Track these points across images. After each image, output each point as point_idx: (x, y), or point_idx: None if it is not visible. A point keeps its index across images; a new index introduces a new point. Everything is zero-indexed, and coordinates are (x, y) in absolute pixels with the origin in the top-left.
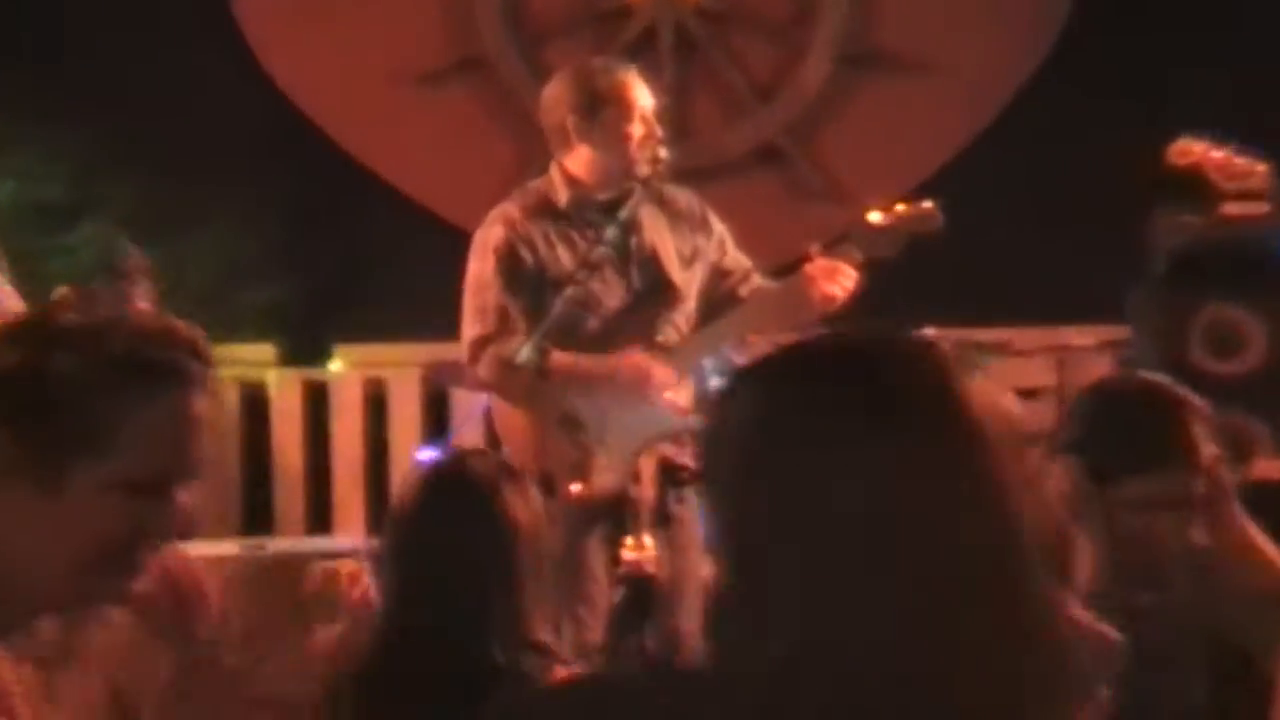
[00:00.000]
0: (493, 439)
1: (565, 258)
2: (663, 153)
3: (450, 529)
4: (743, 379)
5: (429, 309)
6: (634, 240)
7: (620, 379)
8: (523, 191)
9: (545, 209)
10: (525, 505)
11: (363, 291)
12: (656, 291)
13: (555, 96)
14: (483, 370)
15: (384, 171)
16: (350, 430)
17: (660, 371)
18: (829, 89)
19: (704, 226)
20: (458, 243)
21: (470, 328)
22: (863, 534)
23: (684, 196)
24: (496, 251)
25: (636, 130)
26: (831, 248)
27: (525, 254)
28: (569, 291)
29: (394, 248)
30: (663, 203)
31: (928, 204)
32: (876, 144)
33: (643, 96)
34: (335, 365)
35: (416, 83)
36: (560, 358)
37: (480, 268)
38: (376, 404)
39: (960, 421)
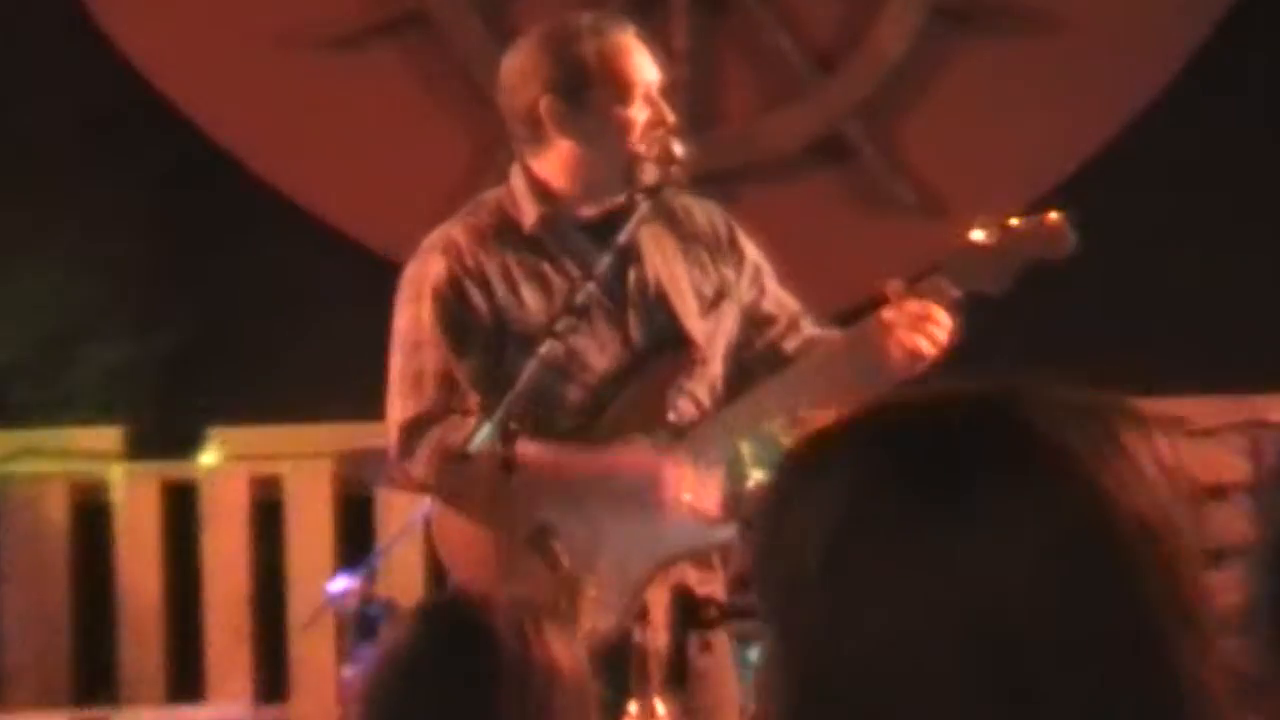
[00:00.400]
0: (434, 564)
1: (535, 302)
2: (677, 149)
3: (472, 705)
4: (802, 471)
5: (343, 377)
6: (634, 275)
7: (618, 480)
8: (474, 207)
9: (506, 232)
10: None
11: (249, 352)
12: (666, 348)
13: (522, 70)
14: (419, 465)
15: (279, 179)
16: (230, 551)
17: (674, 469)
18: (917, 54)
19: (733, 254)
20: (383, 281)
21: (401, 404)
22: (991, 680)
23: (704, 212)
24: (437, 294)
25: (638, 116)
26: (918, 282)
27: (478, 297)
28: (543, 350)
29: (293, 289)
30: (674, 221)
31: (1054, 216)
32: (982, 134)
33: (646, 68)
34: (208, 457)
35: (323, 50)
36: (532, 448)
37: (414, 317)
38: (268, 513)
39: (1121, 521)
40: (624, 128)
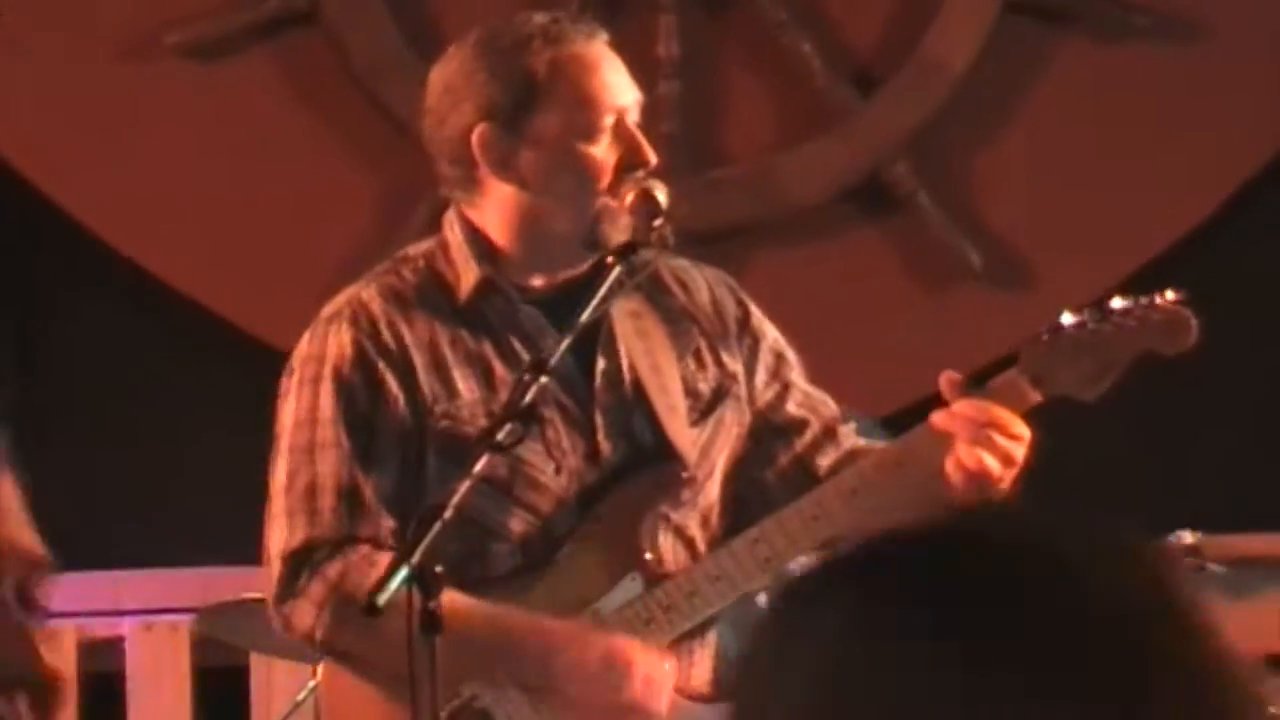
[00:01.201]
0: None
1: (471, 394)
2: (660, 196)
3: None
4: (804, 599)
5: (205, 506)
6: (602, 366)
7: (576, 659)
8: (394, 265)
9: (435, 299)
10: None
11: (75, 470)
12: (645, 466)
13: (450, 88)
14: (307, 611)
15: (111, 233)
16: None
17: (649, 656)
18: (985, 68)
19: (744, 339)
20: (258, 370)
21: (286, 526)
22: None
23: (705, 282)
24: (340, 378)
25: (605, 153)
26: (987, 380)
27: (395, 385)
28: (478, 467)
29: (134, 385)
30: (660, 294)
31: (1169, 297)
32: (1074, 176)
33: (619, 89)
34: None
35: (181, 57)
36: (461, 601)
37: (308, 409)
38: (103, 687)
39: (1191, 690)
40: (585, 169)
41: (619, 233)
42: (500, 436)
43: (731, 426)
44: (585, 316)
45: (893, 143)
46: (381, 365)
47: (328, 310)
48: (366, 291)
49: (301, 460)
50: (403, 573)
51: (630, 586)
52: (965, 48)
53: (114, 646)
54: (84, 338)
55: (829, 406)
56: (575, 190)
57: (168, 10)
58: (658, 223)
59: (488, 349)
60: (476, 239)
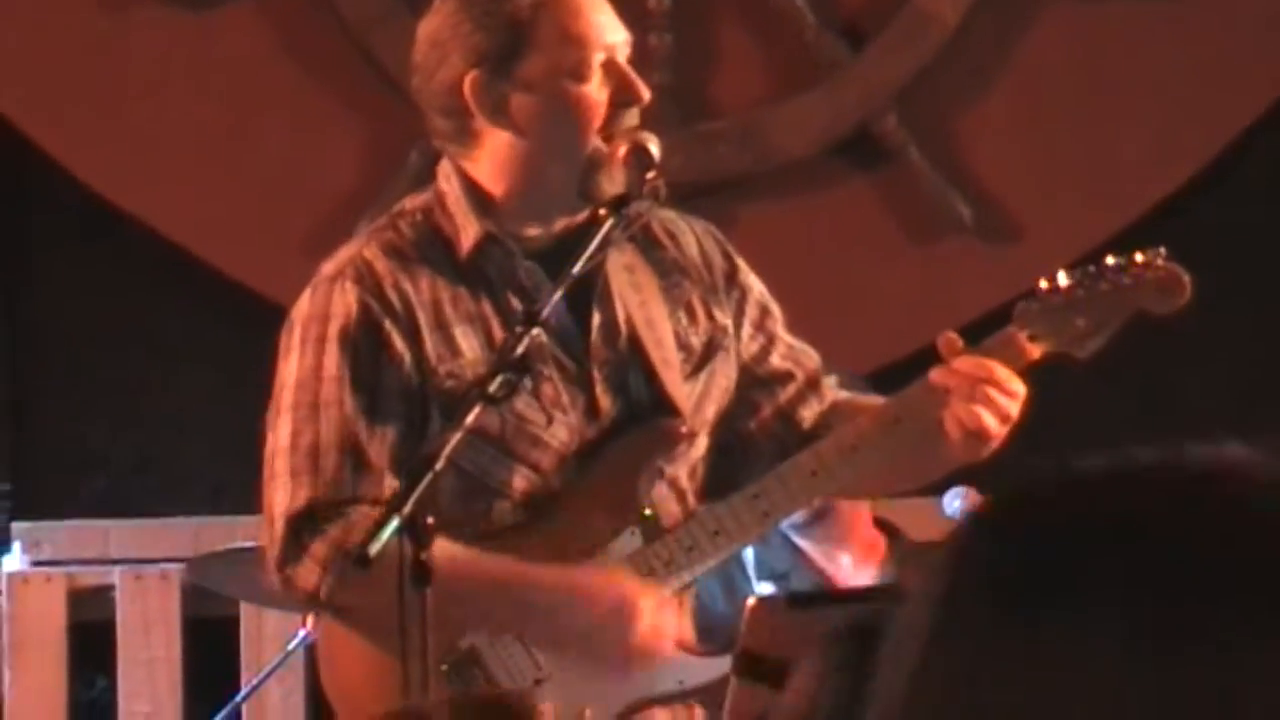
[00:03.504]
0: (321, 707)
1: (473, 352)
2: (653, 147)
3: None
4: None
5: (194, 457)
6: (598, 320)
7: (573, 606)
8: (391, 220)
9: (435, 254)
10: None
11: (65, 422)
12: (643, 420)
13: (438, 38)
14: (310, 573)
15: (101, 182)
16: (40, 685)
17: (655, 603)
18: (976, 22)
19: (733, 293)
20: (249, 322)
21: (289, 487)
22: None
23: (694, 235)
24: (345, 337)
25: (595, 91)
26: (983, 339)
27: (400, 343)
28: (469, 419)
29: (126, 334)
30: (652, 247)
31: (1163, 255)
32: (1065, 130)
33: (608, 28)
34: (12, 561)
35: (170, 5)
36: (463, 556)
37: (311, 369)
38: (92, 637)
39: None
40: (576, 108)
41: (612, 185)
42: (492, 388)
43: (722, 380)
44: (577, 269)
45: (882, 96)
46: (387, 324)
47: (329, 268)
48: (369, 249)
49: (305, 419)
50: (393, 524)
51: (630, 540)
52: (955, 2)
53: (104, 595)
54: (72, 287)
55: (812, 359)
56: (569, 131)
57: None
58: (650, 175)
59: (487, 307)
60: (474, 191)
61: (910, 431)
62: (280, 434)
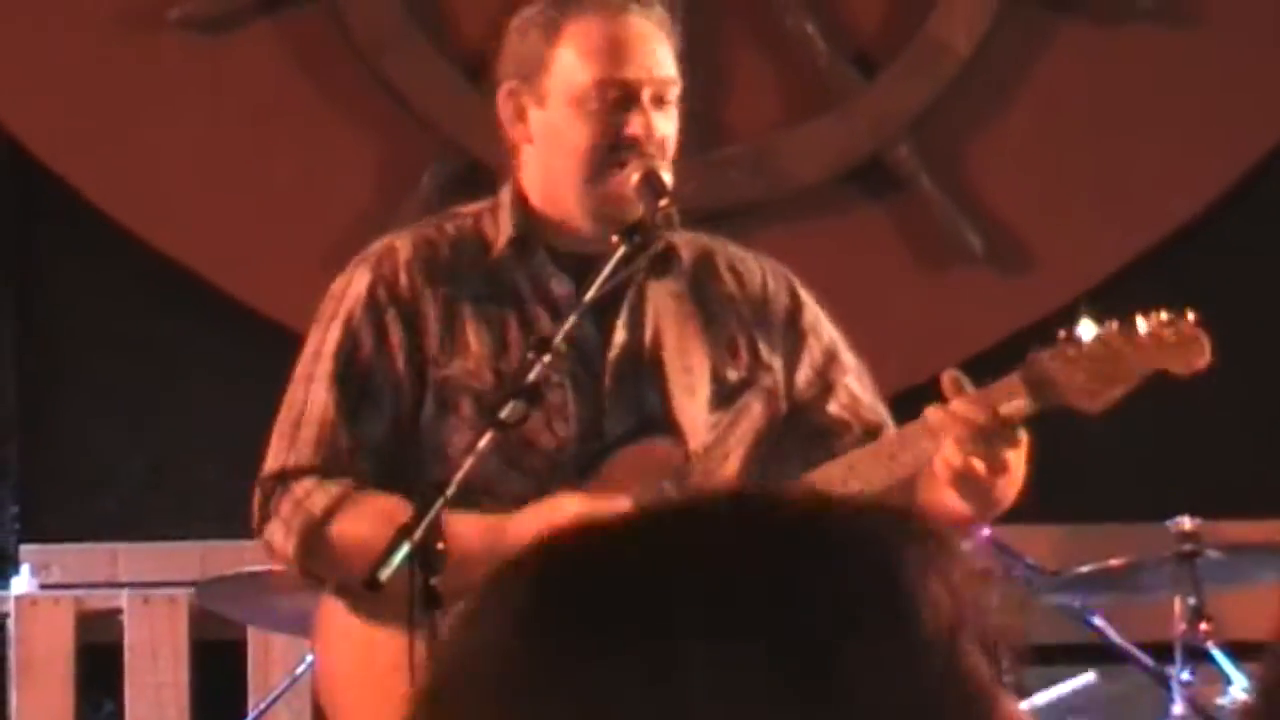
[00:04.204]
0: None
1: (480, 349)
2: (665, 175)
3: None
4: (492, 589)
5: (202, 480)
6: (622, 339)
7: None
8: (443, 217)
9: (470, 253)
10: None
11: (75, 445)
12: (647, 438)
13: (502, 46)
14: (279, 531)
15: (117, 208)
16: (46, 710)
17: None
18: (990, 51)
19: (789, 335)
20: (261, 343)
21: (273, 450)
22: None
23: (759, 271)
24: (348, 322)
25: (592, 121)
26: (988, 383)
27: (397, 335)
28: (482, 444)
29: (137, 357)
30: (707, 277)
31: (1184, 317)
32: (1079, 159)
33: (618, 57)
34: (20, 584)
35: (184, 29)
36: (460, 521)
37: (318, 343)
38: (99, 660)
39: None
40: (570, 133)
41: (626, 212)
42: (504, 414)
43: (755, 416)
44: (590, 295)
45: (895, 124)
46: (391, 312)
47: (365, 251)
48: (400, 239)
49: (299, 389)
50: (404, 549)
51: None
52: (968, 30)
53: (112, 619)
54: (84, 309)
55: (875, 413)
56: (565, 154)
57: None
58: (663, 203)
59: (509, 312)
60: (518, 198)
61: (905, 468)
62: (284, 400)
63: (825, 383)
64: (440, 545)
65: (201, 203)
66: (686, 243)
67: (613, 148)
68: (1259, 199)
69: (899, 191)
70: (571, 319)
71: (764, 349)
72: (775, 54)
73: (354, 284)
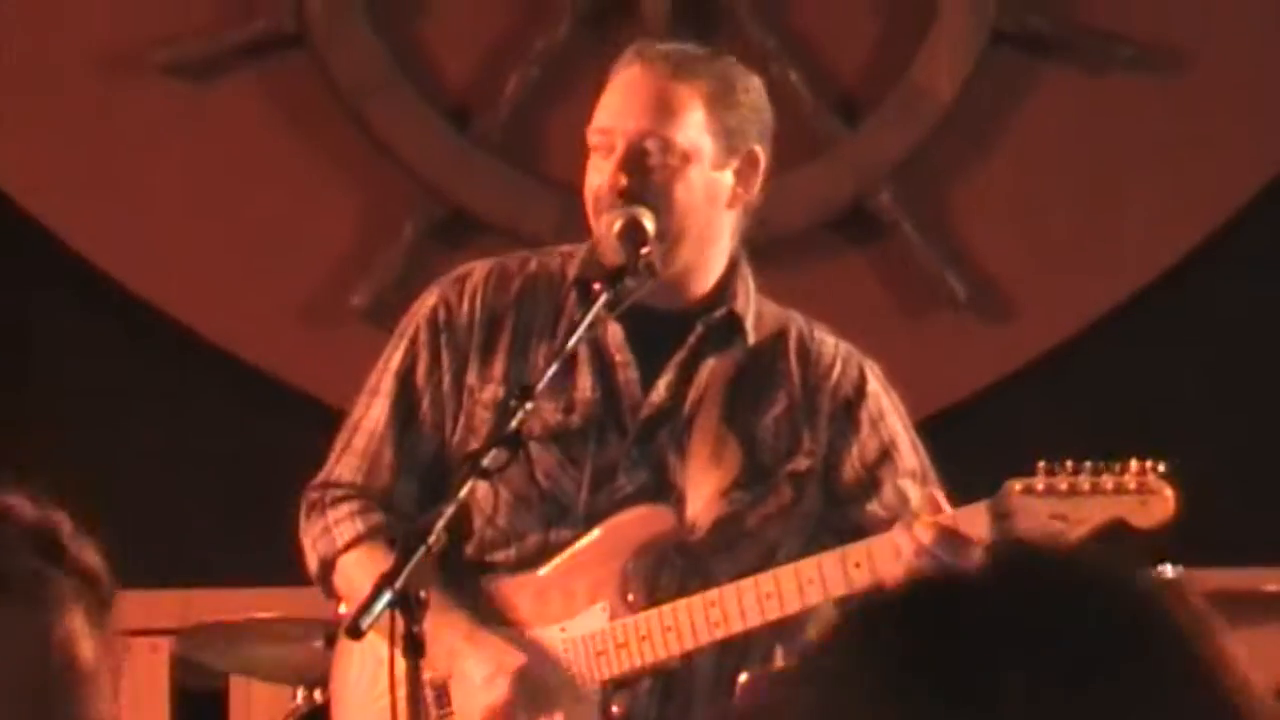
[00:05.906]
0: None
1: (505, 378)
2: (648, 223)
3: None
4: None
5: (187, 524)
6: (658, 400)
7: (464, 675)
8: (530, 253)
9: (541, 291)
10: None
11: (57, 492)
12: (655, 502)
13: None
14: (309, 539)
15: (96, 252)
16: None
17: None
18: (971, 97)
19: (845, 420)
20: (246, 391)
21: (330, 459)
22: None
23: (835, 357)
24: (413, 337)
25: (593, 168)
26: (960, 506)
27: (448, 355)
28: (462, 493)
29: (116, 400)
30: (776, 354)
31: (1153, 469)
32: (1061, 205)
33: (613, 108)
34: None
35: (168, 76)
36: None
37: (386, 356)
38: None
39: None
40: (590, 182)
41: (608, 258)
42: (486, 461)
43: (786, 500)
44: (571, 343)
45: (878, 171)
46: (445, 335)
47: (444, 276)
48: (482, 265)
49: (364, 399)
50: (386, 597)
51: (597, 615)
52: (951, 77)
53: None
54: (67, 356)
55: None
56: (587, 198)
57: (155, 29)
58: (645, 250)
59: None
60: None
61: (865, 580)
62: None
63: (874, 480)
64: (422, 594)
65: (183, 248)
66: (770, 315)
67: (596, 196)
68: (1237, 248)
69: (881, 238)
70: (551, 368)
71: (808, 434)
72: None
73: (424, 303)
